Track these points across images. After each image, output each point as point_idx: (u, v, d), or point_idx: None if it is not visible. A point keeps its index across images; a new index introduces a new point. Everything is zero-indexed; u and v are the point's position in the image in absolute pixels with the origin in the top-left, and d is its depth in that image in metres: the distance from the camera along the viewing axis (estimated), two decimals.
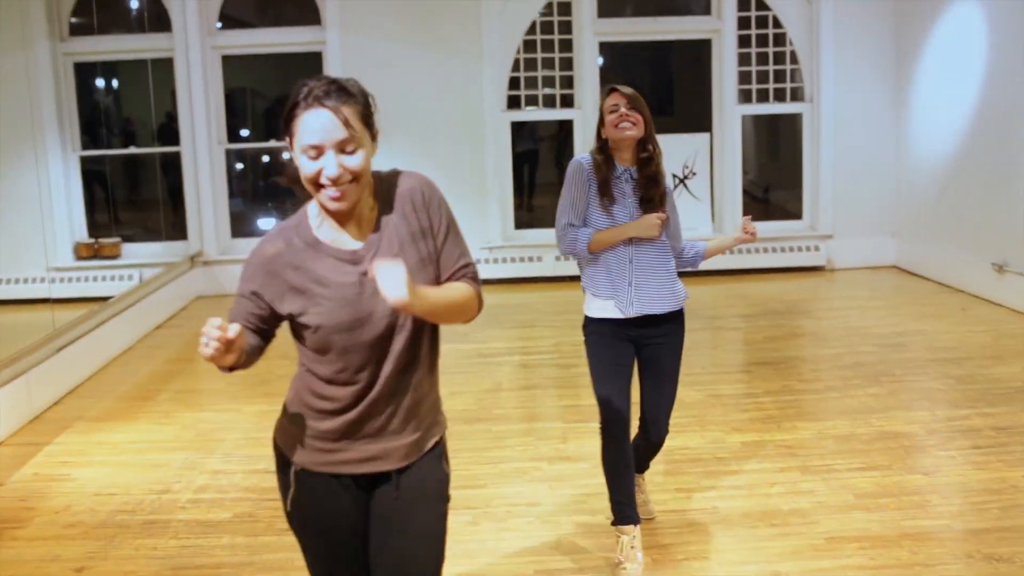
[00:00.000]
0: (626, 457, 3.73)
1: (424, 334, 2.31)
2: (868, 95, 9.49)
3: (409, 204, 2.29)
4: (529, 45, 9.36)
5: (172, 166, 9.26)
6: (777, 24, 9.45)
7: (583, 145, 9.42)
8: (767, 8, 9.40)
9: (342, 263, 2.23)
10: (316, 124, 2.10)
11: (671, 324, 3.79)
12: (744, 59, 9.49)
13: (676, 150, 9.36)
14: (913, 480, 4.50)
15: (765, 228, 9.81)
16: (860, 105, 9.49)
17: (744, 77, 9.53)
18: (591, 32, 9.29)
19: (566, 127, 9.76)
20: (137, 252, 9.06)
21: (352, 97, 2.14)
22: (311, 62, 9.54)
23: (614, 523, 3.74)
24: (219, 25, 9.16)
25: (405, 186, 2.31)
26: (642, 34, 9.60)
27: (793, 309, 8.07)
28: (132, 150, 9.09)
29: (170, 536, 4.09)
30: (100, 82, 9.32)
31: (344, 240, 2.26)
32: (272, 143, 9.36)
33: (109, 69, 9.05)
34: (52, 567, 3.86)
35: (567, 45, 9.40)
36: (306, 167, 2.14)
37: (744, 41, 9.46)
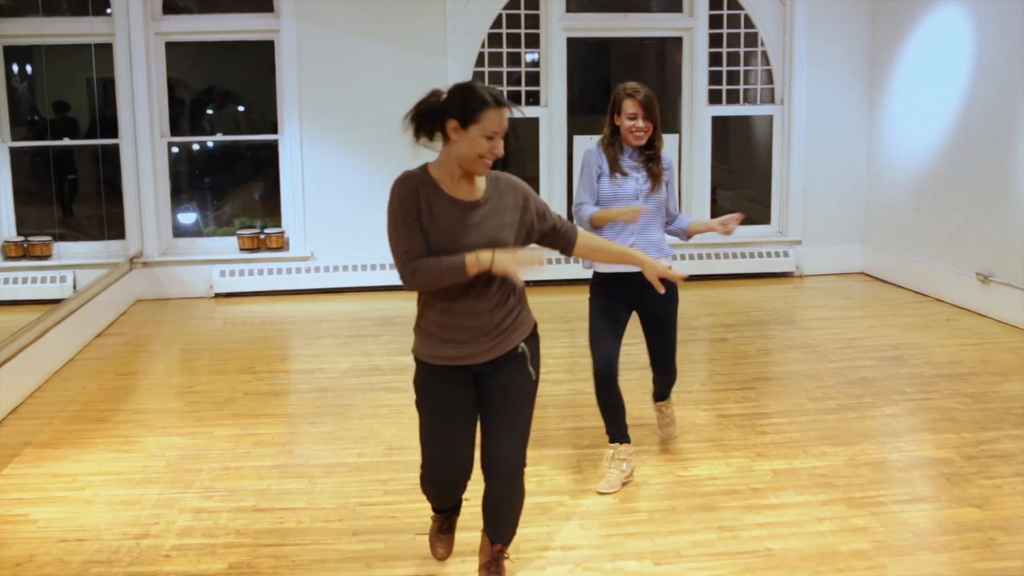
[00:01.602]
0: (616, 398, 4.49)
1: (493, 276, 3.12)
2: (840, 99, 9.27)
3: (516, 193, 3.23)
4: (494, 39, 8.90)
5: (100, 160, 8.54)
6: (749, 24, 9.16)
7: (549, 145, 8.99)
8: (739, 7, 9.09)
9: (454, 207, 3.11)
10: (499, 119, 3.04)
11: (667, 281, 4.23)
12: (715, 59, 9.18)
13: None
14: (968, 514, 4.18)
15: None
16: (832, 109, 9.26)
17: (714, 77, 9.21)
18: (560, 27, 8.87)
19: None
20: (70, 252, 8.30)
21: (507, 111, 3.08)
22: (258, 52, 8.93)
23: (610, 441, 4.54)
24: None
25: (514, 182, 3.26)
26: (612, 30, 9.21)
27: (776, 318, 7.77)
28: (67, 142, 8.34)
29: None
30: (28, 68, 8.55)
31: (457, 192, 3.13)
32: (220, 136, 8.71)
33: (41, 53, 8.26)
34: None
35: (534, 40, 8.96)
36: (482, 144, 3.03)
37: (715, 40, 9.15)
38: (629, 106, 4.27)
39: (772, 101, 9.31)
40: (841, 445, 4.99)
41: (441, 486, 3.41)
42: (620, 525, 4.09)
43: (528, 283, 3.27)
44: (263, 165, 9.60)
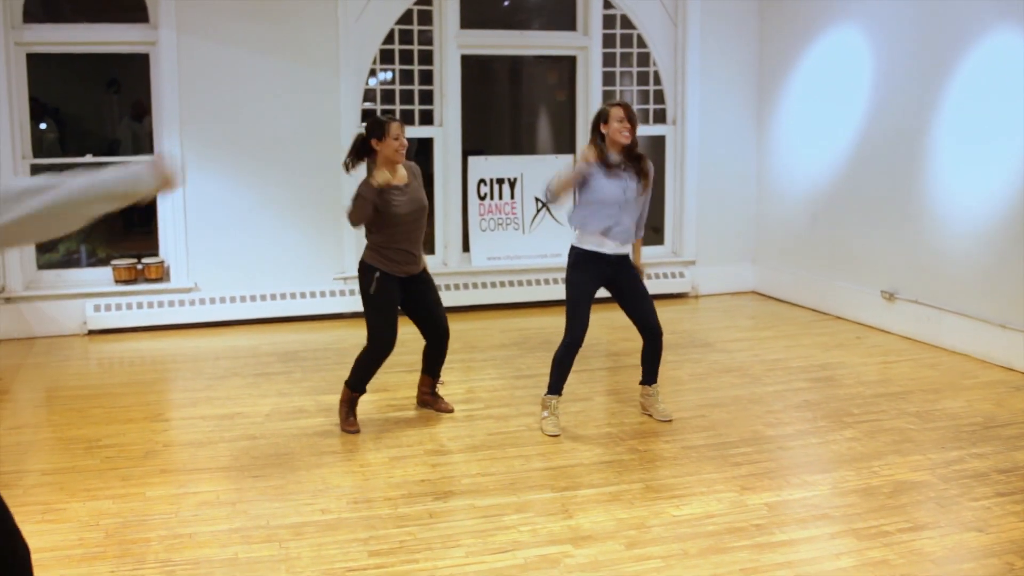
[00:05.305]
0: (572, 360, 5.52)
1: (423, 223, 5.48)
2: (732, 119, 9.35)
3: (414, 171, 5.53)
4: (386, 56, 8.51)
5: None
6: (642, 44, 9.11)
7: (445, 166, 8.66)
8: (632, 27, 9.04)
9: (394, 188, 5.32)
10: (398, 130, 5.30)
11: (629, 261, 5.58)
12: (608, 78, 9.08)
13: (535, 170, 8.81)
14: (974, 539, 4.13)
15: None
16: (723, 129, 9.33)
17: (608, 97, 9.11)
18: (455, 44, 8.56)
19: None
20: None
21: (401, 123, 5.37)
22: (129, 66, 8.25)
23: (548, 393, 5.54)
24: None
25: (414, 168, 5.55)
26: (508, 47, 8.99)
27: (691, 341, 7.67)
28: None
29: None
30: None
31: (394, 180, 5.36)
32: (89, 157, 7.95)
33: None
34: None
35: (427, 57, 8.63)
36: (394, 143, 5.27)
37: (608, 60, 9.06)
38: (617, 112, 5.33)
39: (664, 121, 9.29)
40: (819, 473, 4.89)
41: (381, 357, 5.49)
42: (641, 575, 3.81)
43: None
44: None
